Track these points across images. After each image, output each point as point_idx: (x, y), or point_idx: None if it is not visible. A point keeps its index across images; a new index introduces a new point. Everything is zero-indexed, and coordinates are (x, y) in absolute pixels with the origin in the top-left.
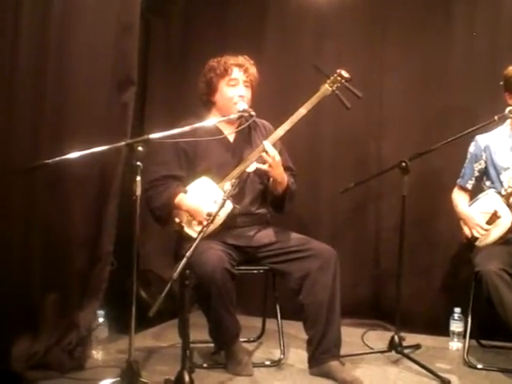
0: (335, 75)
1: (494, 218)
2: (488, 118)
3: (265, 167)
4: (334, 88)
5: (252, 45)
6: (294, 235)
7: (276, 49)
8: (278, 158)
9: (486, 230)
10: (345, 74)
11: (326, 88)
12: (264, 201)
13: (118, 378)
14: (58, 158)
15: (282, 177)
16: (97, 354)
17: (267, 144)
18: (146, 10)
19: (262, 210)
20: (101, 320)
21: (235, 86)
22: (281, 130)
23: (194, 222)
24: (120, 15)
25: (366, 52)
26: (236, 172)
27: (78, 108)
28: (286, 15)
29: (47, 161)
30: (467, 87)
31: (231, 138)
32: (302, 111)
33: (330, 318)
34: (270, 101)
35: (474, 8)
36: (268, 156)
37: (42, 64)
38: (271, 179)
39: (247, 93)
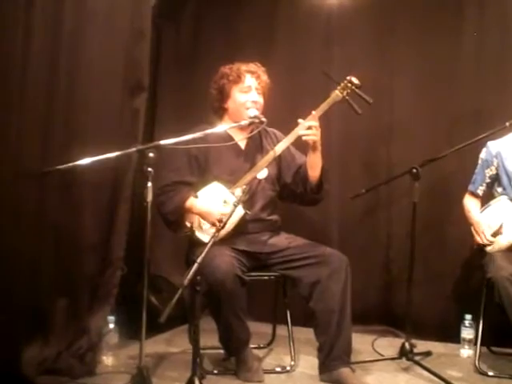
0: (345, 82)
1: (497, 233)
2: (500, 123)
3: (311, 137)
4: (345, 94)
5: (262, 50)
6: (305, 241)
7: (286, 54)
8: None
9: (491, 242)
10: (355, 80)
11: (336, 94)
12: (275, 207)
13: None
14: (69, 164)
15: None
16: (107, 360)
17: (302, 121)
18: (157, 16)
19: (274, 217)
20: (111, 325)
21: (248, 93)
22: (292, 135)
23: (205, 226)
24: (132, 21)
25: (375, 57)
26: (248, 177)
27: (90, 114)
28: (296, 20)
29: (59, 166)
30: (478, 92)
31: (242, 145)
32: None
33: (340, 324)
34: (280, 106)
35: (484, 12)
36: (310, 129)
37: (53, 70)
38: (307, 162)
39: (260, 99)
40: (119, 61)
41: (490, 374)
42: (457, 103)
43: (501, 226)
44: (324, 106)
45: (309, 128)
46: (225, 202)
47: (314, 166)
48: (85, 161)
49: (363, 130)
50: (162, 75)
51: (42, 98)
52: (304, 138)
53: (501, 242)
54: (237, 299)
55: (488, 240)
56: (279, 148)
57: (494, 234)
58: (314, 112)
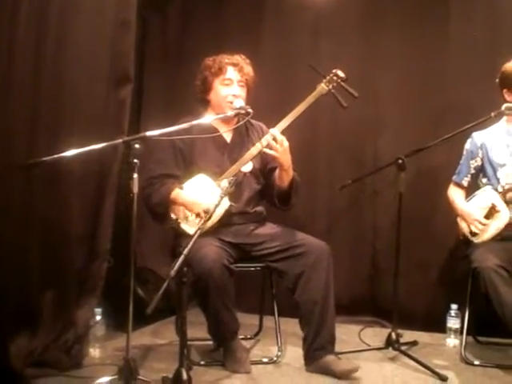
0: (331, 75)
1: (492, 212)
2: (485, 115)
3: (272, 152)
4: (330, 87)
5: (249, 42)
6: (288, 230)
7: (273, 46)
8: (286, 143)
9: (485, 225)
10: (341, 73)
11: (322, 87)
12: (261, 199)
13: (116, 376)
14: (55, 156)
15: (289, 164)
16: (94, 352)
17: (274, 131)
18: (143, 6)
19: (259, 209)
20: (98, 318)
21: (229, 86)
22: (278, 128)
23: (191, 218)
24: (117, 12)
25: (362, 49)
26: (233, 170)
27: (75, 105)
28: (283, 12)
29: (44, 158)
30: (464, 84)
31: (228, 138)
32: (299, 110)
33: (323, 315)
34: (267, 98)
35: (472, 5)
36: (276, 143)
37: (39, 61)
38: (277, 170)
39: (242, 92)
40: (105, 51)
41: (476, 363)
42: (443, 95)
43: (493, 205)
44: (309, 99)
45: (273, 139)
46: (211, 192)
47: (281, 178)
48: (70, 152)
49: (350, 122)
50: (149, 66)
51: (28, 90)
52: (265, 149)
53: (486, 233)
54: (225, 289)
55: (483, 224)
56: (265, 141)
57: (488, 216)
58: (271, 130)
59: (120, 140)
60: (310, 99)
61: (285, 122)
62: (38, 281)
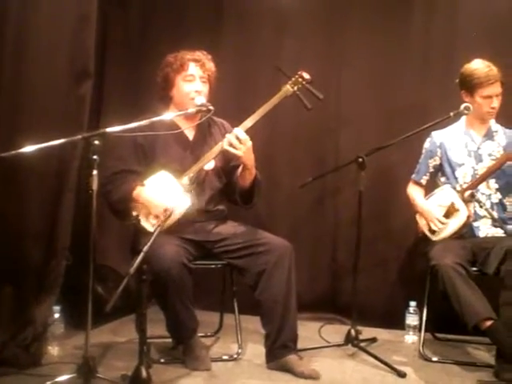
0: (296, 76)
1: (451, 211)
2: (444, 115)
3: (234, 151)
4: (295, 89)
5: (211, 39)
6: (251, 228)
7: (235, 43)
8: (249, 142)
9: (444, 223)
10: (306, 75)
11: (287, 89)
12: (222, 198)
13: (75, 374)
14: (12, 152)
15: (253, 163)
16: (53, 350)
17: (238, 130)
18: (104, 1)
19: (220, 207)
20: (57, 315)
21: (192, 82)
22: (242, 128)
23: (152, 216)
24: (77, 6)
25: (324, 48)
26: (195, 168)
27: (34, 101)
28: (245, 9)
29: (2, 154)
30: (425, 84)
31: (190, 135)
32: (263, 110)
33: (285, 313)
34: (229, 96)
35: (432, 6)
36: (240, 143)
37: None
38: (240, 168)
39: (204, 88)
40: (65, 46)
41: (434, 359)
42: (403, 95)
43: (452, 204)
44: (274, 100)
45: (237, 139)
46: (173, 191)
47: (243, 177)
48: (29, 148)
49: (311, 121)
50: (110, 62)
51: None
52: (225, 146)
53: (445, 231)
54: (183, 287)
55: (442, 223)
56: (228, 139)
57: (447, 215)
58: (235, 129)
59: (79, 136)
60: (274, 100)
61: (249, 122)
62: None
